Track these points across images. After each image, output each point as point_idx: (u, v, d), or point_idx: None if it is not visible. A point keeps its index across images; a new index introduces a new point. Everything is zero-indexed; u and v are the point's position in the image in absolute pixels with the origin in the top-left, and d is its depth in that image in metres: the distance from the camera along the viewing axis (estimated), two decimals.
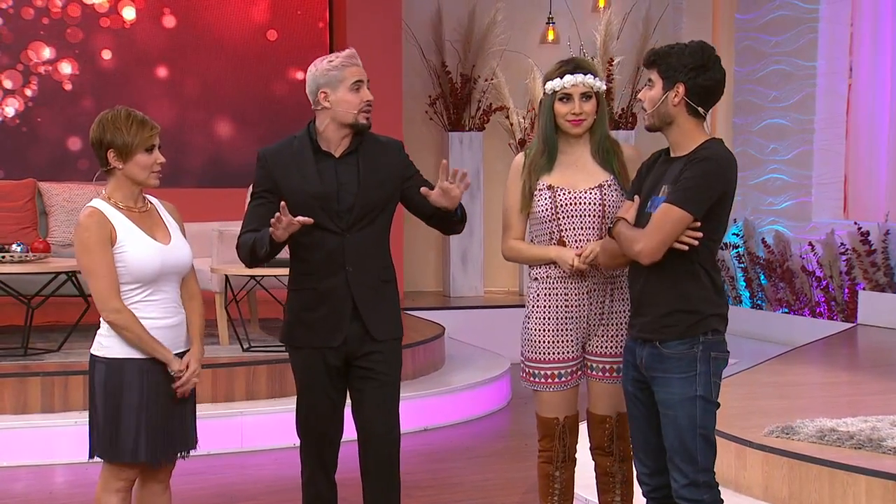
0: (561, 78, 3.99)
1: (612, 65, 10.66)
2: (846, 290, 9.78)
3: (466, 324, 9.65)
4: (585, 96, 3.99)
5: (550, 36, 11.09)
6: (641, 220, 3.65)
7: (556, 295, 4.04)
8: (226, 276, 7.31)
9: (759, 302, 10.75)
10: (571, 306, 4.03)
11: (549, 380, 4.06)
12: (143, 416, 3.74)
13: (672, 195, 3.56)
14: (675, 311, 3.61)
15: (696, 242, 3.55)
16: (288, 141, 4.13)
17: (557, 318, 4.04)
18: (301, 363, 4.14)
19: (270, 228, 3.85)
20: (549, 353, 4.05)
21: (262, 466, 6.30)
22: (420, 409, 7.11)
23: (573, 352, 4.06)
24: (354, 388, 4.12)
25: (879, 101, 10.19)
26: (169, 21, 10.48)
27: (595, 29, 10.83)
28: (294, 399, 6.81)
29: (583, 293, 4.02)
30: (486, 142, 10.80)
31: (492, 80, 10.67)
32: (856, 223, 9.74)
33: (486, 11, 10.70)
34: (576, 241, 4.02)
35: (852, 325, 9.42)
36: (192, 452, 3.95)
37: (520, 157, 4.14)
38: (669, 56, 3.62)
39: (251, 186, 4.17)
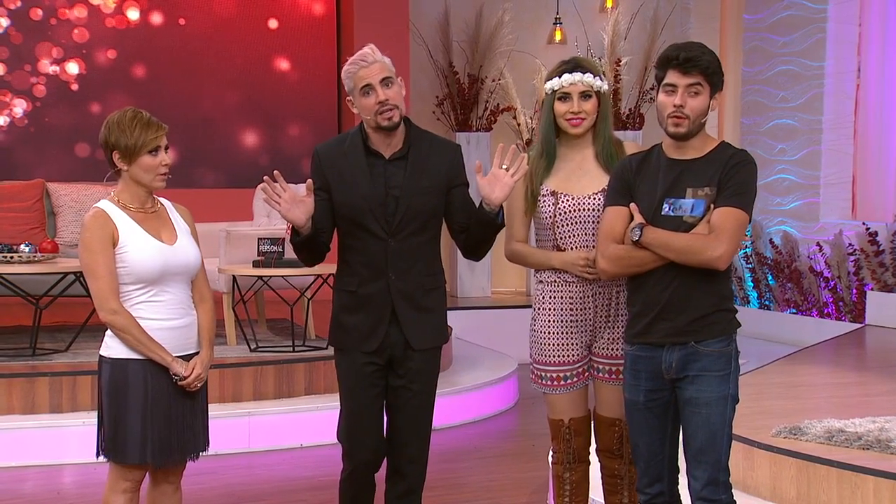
0: (559, 77, 3.93)
1: (619, 65, 10.64)
2: (854, 291, 9.76)
3: (474, 324, 9.64)
4: (585, 95, 3.92)
5: (558, 36, 11.08)
6: (656, 223, 3.55)
7: (562, 298, 3.99)
8: (233, 276, 7.32)
9: (766, 302, 10.73)
10: (577, 309, 3.98)
11: (555, 382, 4.02)
12: (148, 417, 3.72)
13: (732, 199, 3.49)
14: (717, 311, 3.58)
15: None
16: (341, 138, 4.02)
17: (562, 321, 3.99)
18: (342, 366, 4.02)
19: (272, 203, 3.74)
20: (555, 356, 4.01)
21: (269, 467, 6.30)
22: None
23: (578, 354, 4.01)
24: (391, 395, 4.04)
25: (888, 101, 10.17)
26: (172, 20, 10.50)
27: (602, 29, 10.82)
28: (299, 399, 6.91)
29: (588, 296, 3.97)
30: (493, 142, 10.78)
31: (499, 80, 10.67)
32: (864, 223, 9.72)
33: (494, 12, 10.70)
34: (576, 247, 3.95)
35: (860, 325, 9.39)
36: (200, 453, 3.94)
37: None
38: (713, 62, 3.54)
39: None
